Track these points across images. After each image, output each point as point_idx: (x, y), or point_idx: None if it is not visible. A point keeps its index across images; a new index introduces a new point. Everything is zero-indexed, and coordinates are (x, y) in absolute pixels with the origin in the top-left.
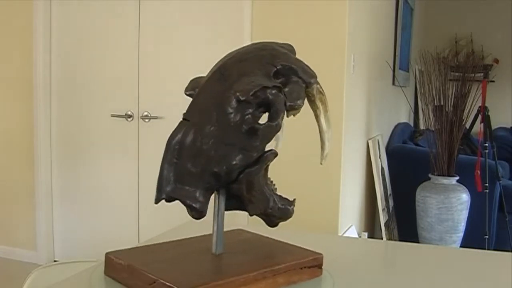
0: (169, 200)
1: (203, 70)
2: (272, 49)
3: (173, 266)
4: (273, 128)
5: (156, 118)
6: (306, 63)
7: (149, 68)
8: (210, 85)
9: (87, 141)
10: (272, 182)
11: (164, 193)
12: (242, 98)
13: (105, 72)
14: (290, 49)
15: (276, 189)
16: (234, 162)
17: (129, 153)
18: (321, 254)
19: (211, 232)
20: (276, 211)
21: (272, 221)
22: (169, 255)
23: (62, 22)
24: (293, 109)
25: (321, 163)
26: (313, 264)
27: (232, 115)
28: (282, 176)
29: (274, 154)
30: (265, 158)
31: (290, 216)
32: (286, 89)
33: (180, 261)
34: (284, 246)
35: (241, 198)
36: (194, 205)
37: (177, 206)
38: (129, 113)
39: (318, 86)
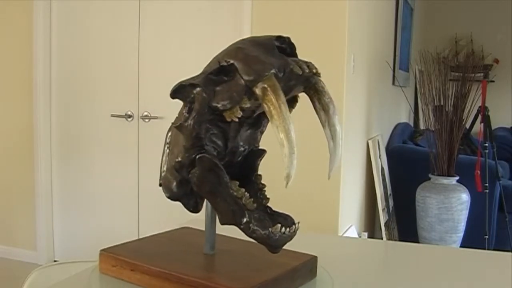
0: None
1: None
2: (235, 43)
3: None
4: (181, 127)
5: (156, 118)
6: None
7: (149, 68)
8: None
9: (87, 141)
10: (247, 195)
11: (160, 178)
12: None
13: (105, 72)
14: (266, 42)
15: (254, 206)
16: (177, 160)
17: (129, 153)
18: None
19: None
20: (249, 232)
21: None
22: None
23: (62, 22)
24: (223, 111)
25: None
26: None
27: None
28: (281, 176)
29: (204, 158)
30: (197, 160)
31: (275, 245)
32: (217, 88)
33: (168, 255)
34: (263, 264)
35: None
36: (166, 193)
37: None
38: (129, 113)
39: (266, 85)
